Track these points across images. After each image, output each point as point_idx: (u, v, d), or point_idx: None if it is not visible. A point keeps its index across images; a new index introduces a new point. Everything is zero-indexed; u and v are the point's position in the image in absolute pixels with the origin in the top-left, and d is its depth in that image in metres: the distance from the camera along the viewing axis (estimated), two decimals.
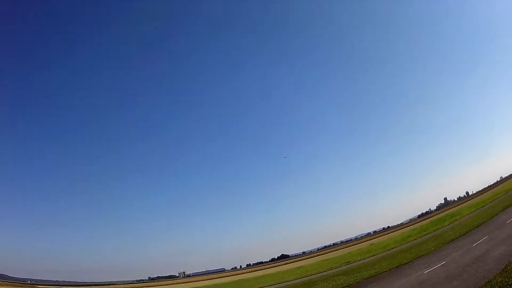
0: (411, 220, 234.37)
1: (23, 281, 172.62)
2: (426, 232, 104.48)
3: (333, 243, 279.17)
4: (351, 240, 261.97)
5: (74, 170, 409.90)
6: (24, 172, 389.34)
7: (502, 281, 26.46)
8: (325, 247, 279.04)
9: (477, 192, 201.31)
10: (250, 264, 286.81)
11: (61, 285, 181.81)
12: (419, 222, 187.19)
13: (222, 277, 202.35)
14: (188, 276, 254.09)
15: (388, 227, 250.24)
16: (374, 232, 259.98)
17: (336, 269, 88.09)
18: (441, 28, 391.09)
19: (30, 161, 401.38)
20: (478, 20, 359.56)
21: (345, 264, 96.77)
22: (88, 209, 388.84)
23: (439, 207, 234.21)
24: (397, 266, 55.77)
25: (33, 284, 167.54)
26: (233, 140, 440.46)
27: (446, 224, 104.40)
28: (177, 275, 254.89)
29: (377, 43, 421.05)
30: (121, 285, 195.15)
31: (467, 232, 65.09)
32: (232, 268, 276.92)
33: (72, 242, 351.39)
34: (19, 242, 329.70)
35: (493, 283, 26.89)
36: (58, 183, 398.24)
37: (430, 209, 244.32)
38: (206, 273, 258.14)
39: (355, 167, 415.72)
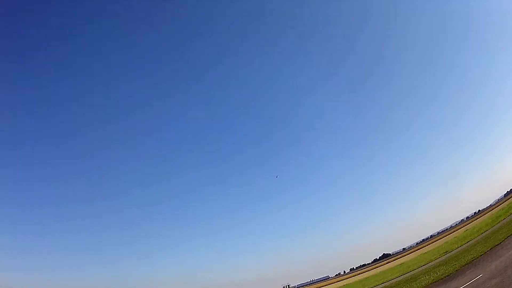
0: (498, 201, 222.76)
1: None
2: None
3: (430, 235, 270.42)
4: (446, 229, 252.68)
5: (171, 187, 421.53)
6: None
7: None
8: (423, 240, 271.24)
9: None
10: (353, 268, 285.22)
11: None
12: (505, 200, 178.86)
13: (327, 285, 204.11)
14: None
15: (479, 210, 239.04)
16: (467, 218, 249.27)
17: (436, 261, 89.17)
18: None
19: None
20: None
21: (443, 254, 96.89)
22: (184, 230, 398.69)
23: None
24: (491, 249, 57.36)
25: None
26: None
27: None
28: None
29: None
30: None
31: None
32: (336, 275, 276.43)
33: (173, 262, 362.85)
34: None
35: None
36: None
37: None
38: (311, 283, 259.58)
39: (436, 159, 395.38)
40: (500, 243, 57.60)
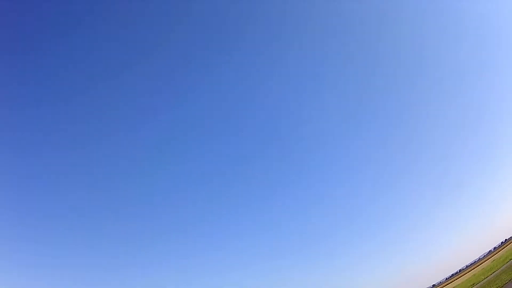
0: None
1: None
2: None
3: (459, 269, 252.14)
4: (475, 261, 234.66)
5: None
6: None
7: None
8: (452, 275, 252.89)
9: None
10: None
11: None
12: None
13: None
14: None
15: (506, 240, 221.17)
16: (495, 248, 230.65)
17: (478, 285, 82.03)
18: None
19: None
20: None
21: (470, 287, 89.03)
22: None
23: None
24: None
25: None
26: None
27: None
28: None
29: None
30: None
31: None
32: None
33: None
34: None
35: None
36: None
37: None
38: None
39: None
40: None
